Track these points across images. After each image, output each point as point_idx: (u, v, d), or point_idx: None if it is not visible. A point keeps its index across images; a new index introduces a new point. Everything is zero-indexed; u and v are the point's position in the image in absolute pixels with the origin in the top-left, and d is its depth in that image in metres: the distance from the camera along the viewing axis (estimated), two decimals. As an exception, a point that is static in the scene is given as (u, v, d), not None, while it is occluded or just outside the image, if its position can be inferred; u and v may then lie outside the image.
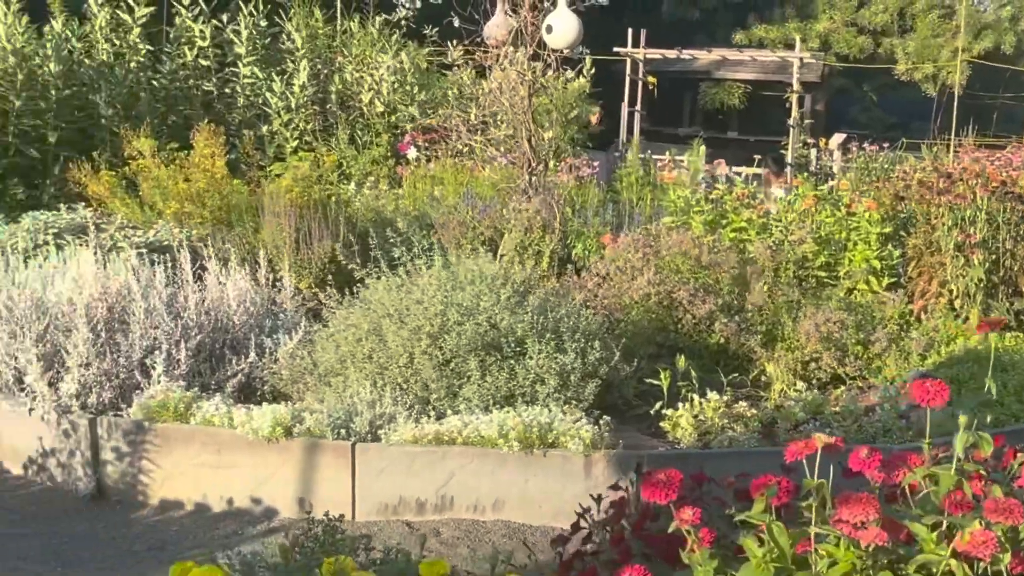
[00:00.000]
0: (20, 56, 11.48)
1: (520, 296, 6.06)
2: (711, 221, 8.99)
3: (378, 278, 6.32)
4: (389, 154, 13.62)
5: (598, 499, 3.79)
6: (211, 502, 5.22)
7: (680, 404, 5.81)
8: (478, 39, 9.48)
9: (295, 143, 13.75)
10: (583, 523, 3.60)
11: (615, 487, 3.75)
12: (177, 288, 6.09)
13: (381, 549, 3.60)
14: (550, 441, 5.15)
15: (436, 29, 10.00)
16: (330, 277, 7.28)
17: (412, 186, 11.91)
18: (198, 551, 4.79)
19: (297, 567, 2.97)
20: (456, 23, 9.19)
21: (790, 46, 22.30)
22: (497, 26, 9.27)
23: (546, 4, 8.95)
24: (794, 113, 19.21)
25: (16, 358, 5.45)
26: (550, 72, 9.05)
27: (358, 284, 6.54)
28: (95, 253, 6.02)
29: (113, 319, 5.63)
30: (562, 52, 8.99)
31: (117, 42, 13.40)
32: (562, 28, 8.79)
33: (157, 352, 5.60)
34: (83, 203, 11.93)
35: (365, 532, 4.44)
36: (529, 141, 9.09)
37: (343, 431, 5.18)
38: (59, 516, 5.14)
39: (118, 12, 13.34)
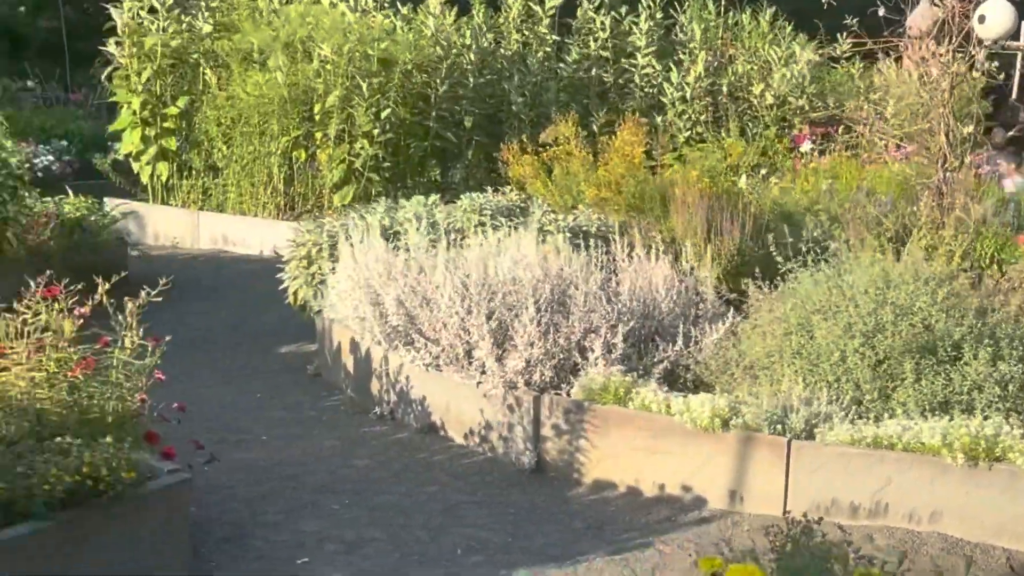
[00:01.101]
0: (447, 46, 11.95)
1: (956, 298, 5.63)
2: None
3: (792, 271, 6.05)
4: (779, 146, 13.23)
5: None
6: (643, 486, 5.16)
7: None
8: (899, 30, 8.96)
9: (687, 133, 13.62)
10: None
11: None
12: (610, 273, 6.06)
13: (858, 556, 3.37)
14: (996, 455, 4.73)
15: (856, 19, 9.59)
16: (738, 268, 7.06)
17: (804, 179, 11.48)
18: (634, 534, 4.74)
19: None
20: (881, 12, 8.71)
21: None
22: (922, 16, 8.71)
23: (978, -8, 8.31)
24: None
25: (468, 332, 5.58)
26: (977, 65, 8.41)
27: (778, 277, 6.28)
28: (537, 235, 6.08)
29: (554, 300, 5.66)
30: (991, 44, 8.33)
31: (526, 33, 13.73)
32: (996, 18, 8.13)
33: (593, 335, 5.59)
34: (492, 187, 12.39)
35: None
36: (947, 136, 8.50)
37: (778, 427, 4.97)
38: (501, 486, 5.23)
39: (530, 4, 13.65)
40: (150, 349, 4.19)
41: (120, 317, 4.02)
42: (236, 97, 11.15)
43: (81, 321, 3.95)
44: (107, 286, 3.98)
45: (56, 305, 3.86)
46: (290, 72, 10.94)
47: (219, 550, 4.29)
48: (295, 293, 7.07)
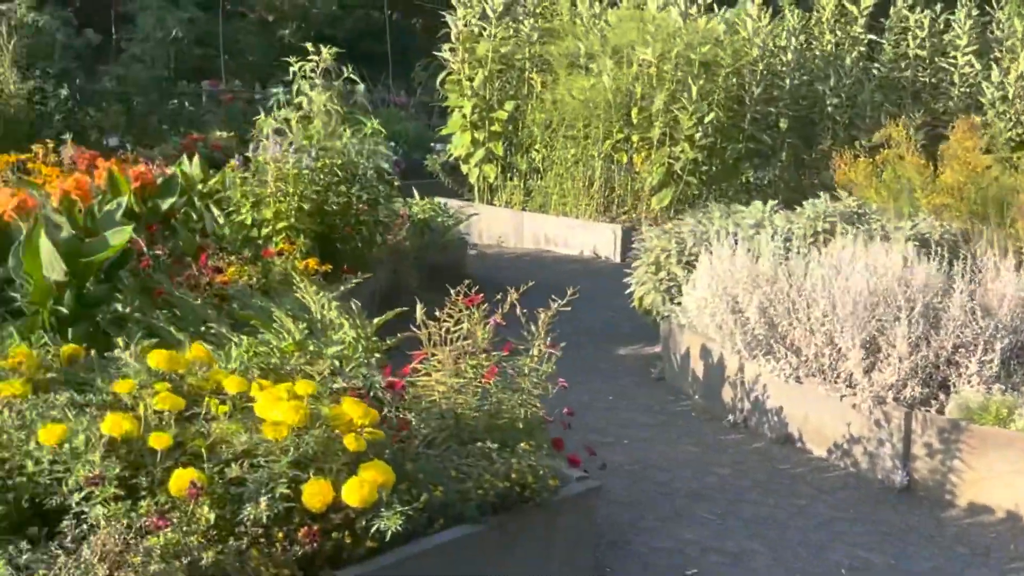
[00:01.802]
0: (763, 48, 11.66)
1: None
2: None
3: None
4: None
5: None
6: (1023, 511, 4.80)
7: None
8: None
9: (1008, 134, 12.77)
10: None
11: None
12: (976, 285, 5.68)
13: None
14: None
15: None
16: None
17: None
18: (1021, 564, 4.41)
19: None
20: None
21: None
22: None
23: None
24: None
25: (834, 343, 5.37)
26: None
27: None
28: (893, 244, 5.78)
29: (926, 313, 5.35)
30: None
31: (839, 33, 13.24)
32: None
33: (964, 350, 5.25)
34: (804, 190, 12.01)
35: None
36: None
37: None
38: (870, 504, 4.99)
39: (843, 3, 13.16)
40: (547, 355, 4.21)
41: (532, 327, 4.07)
42: (561, 101, 11.26)
43: (493, 329, 4.01)
44: (516, 295, 4.01)
45: (475, 313, 3.92)
46: (616, 76, 10.95)
47: (608, 555, 4.28)
48: (640, 298, 7.02)
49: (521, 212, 11.74)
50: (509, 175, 12.04)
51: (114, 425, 2.96)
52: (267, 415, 3.13)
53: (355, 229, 6.70)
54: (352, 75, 7.06)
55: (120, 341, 3.64)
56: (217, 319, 4.63)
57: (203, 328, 4.64)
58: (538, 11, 12.04)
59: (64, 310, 4.35)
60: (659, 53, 10.98)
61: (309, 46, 7.15)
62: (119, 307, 4.67)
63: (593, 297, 7.88)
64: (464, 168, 12.09)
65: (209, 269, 5.62)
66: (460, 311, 3.91)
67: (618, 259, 10.65)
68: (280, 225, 6.23)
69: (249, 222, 6.25)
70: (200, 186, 7.06)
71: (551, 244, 11.37)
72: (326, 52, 7.03)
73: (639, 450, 5.59)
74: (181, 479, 2.87)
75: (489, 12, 11.68)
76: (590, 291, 8.02)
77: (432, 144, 13.90)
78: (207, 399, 3.27)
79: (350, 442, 3.10)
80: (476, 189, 12.18)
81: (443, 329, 3.93)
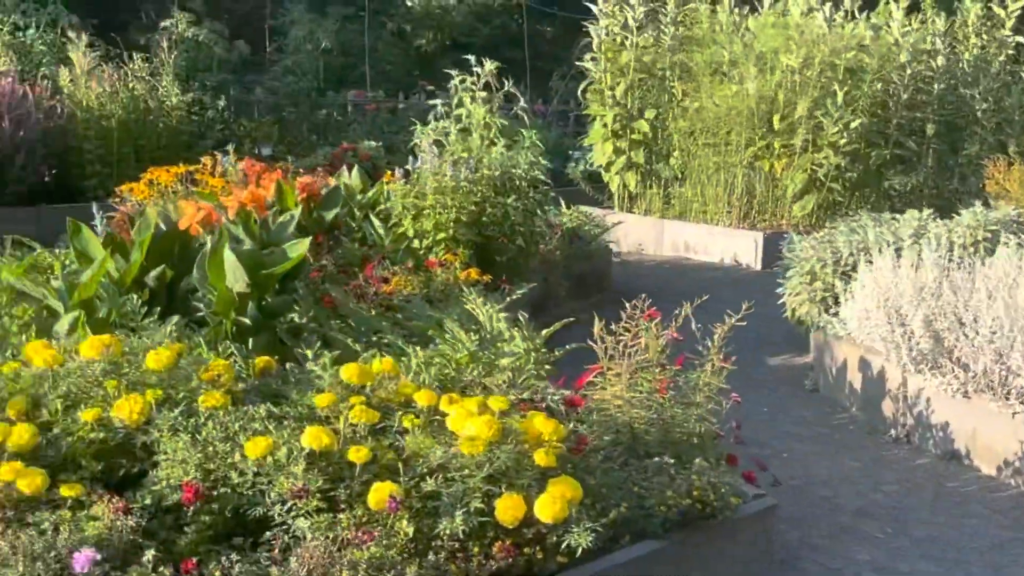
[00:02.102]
0: (910, 53, 11.33)
1: None
2: None
3: None
4: None
5: None
6: None
7: None
8: None
9: None
10: None
11: None
12: None
13: None
14: None
15: None
16: None
17: None
18: None
19: None
20: None
21: None
22: None
23: None
24: None
25: (1004, 360, 5.17)
26: None
27: None
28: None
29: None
30: None
31: (985, 36, 12.80)
32: None
33: None
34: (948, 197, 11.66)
35: None
36: None
37: None
38: (1045, 524, 4.79)
39: (990, 6, 12.72)
40: (720, 370, 4.15)
41: (708, 342, 4.01)
42: (703, 108, 11.14)
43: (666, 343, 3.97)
44: (690, 309, 3.96)
45: (652, 327, 3.89)
46: (759, 83, 10.79)
47: (779, 574, 4.19)
48: (793, 308, 6.88)
49: (661, 220, 11.65)
50: (648, 183, 11.96)
51: (314, 438, 3.01)
52: (460, 429, 3.14)
53: (511, 239, 6.72)
54: (512, 89, 7.10)
55: (308, 352, 3.71)
56: (390, 329, 4.69)
57: (374, 338, 4.71)
58: (679, 20, 11.92)
59: (247, 320, 4.45)
60: (803, 59, 10.77)
61: (471, 58, 7.22)
62: (295, 317, 4.76)
63: (737, 306, 7.75)
64: (605, 176, 12.05)
65: (375, 279, 5.70)
66: (636, 325, 3.87)
67: (759, 266, 10.49)
68: (440, 236, 6.29)
69: (411, 233, 6.32)
70: (359, 196, 7.17)
71: (691, 251, 11.26)
72: (489, 66, 7.09)
73: (801, 464, 5.47)
74: (380, 493, 2.91)
75: (631, 22, 11.61)
76: (733, 299, 7.87)
77: (570, 152, 13.90)
78: (399, 413, 3.31)
79: (540, 457, 3.10)
80: (616, 197, 12.13)
81: (619, 343, 3.90)
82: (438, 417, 3.36)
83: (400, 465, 3.06)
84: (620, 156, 11.74)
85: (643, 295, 4.18)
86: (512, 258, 6.76)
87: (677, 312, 4.10)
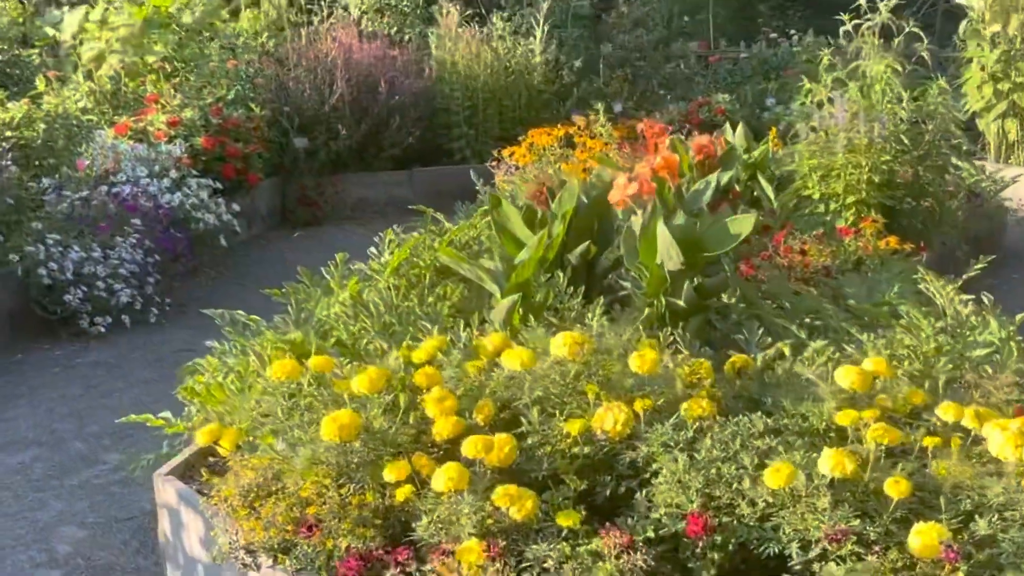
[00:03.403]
0: None
1: None
2: None
3: None
4: None
5: None
6: None
7: None
8: None
9: None
10: None
11: None
12: None
13: None
14: None
15: None
16: None
17: None
18: None
19: None
20: None
21: None
22: None
23: None
24: None
25: None
26: None
27: None
28: None
29: None
30: None
31: None
32: None
33: None
34: None
35: None
36: None
37: None
38: None
39: None
40: None
41: None
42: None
43: None
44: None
45: None
46: None
47: None
48: None
49: (1051, 170, 10.26)
50: (1030, 129, 10.58)
51: (837, 463, 2.47)
52: (1006, 455, 2.52)
53: (920, 200, 5.91)
54: (915, 29, 6.22)
55: (784, 348, 3.18)
56: (833, 313, 4.08)
57: (807, 320, 4.11)
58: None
59: (680, 303, 3.96)
60: None
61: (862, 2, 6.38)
62: (724, 297, 4.24)
63: None
64: (980, 123, 10.75)
65: (786, 249, 5.09)
66: None
67: None
68: (850, 199, 5.58)
69: (817, 196, 5.65)
70: (745, 156, 6.54)
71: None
72: (883, 7, 6.23)
73: None
74: (927, 537, 2.33)
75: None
76: None
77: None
78: (920, 428, 2.71)
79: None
80: (991, 146, 10.81)
81: None
82: (956, 433, 2.74)
83: (941, 500, 2.47)
84: (1001, 100, 10.42)
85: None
86: (923, 221, 5.95)
87: None
